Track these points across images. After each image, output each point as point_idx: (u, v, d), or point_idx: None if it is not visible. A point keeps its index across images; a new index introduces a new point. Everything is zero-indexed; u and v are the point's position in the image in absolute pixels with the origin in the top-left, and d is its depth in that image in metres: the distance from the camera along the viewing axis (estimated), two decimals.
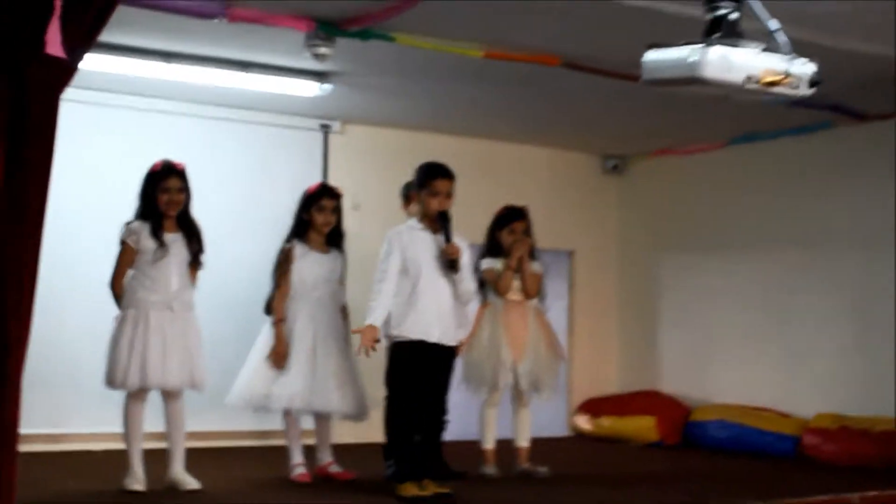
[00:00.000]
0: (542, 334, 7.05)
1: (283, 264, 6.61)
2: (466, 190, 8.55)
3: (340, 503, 5.78)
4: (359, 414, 6.65)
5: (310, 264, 6.60)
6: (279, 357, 6.46)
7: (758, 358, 9.15)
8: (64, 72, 4.08)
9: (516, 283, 6.99)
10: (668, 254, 10.08)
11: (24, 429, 7.57)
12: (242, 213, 8.44)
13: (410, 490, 5.78)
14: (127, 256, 6.08)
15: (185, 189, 6.19)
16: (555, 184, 10.15)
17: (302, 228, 6.66)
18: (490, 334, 6.95)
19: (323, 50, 6.46)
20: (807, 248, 8.83)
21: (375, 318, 5.96)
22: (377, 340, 5.95)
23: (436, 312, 6.03)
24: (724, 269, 9.53)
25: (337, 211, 6.70)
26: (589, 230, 10.40)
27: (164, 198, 6.11)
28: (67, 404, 7.82)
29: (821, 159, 8.79)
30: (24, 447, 7.46)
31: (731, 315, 9.42)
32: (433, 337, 6.03)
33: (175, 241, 6.10)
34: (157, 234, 6.03)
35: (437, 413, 6.36)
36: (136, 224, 6.07)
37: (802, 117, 8.26)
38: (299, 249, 6.61)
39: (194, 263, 6.21)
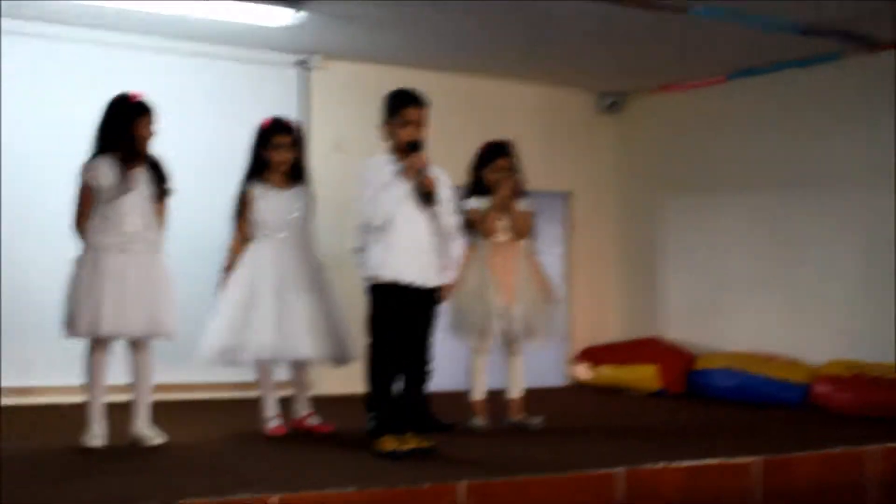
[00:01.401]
0: (533, 277, 6.67)
1: (239, 209, 6.28)
2: (455, 129, 8.26)
3: (314, 457, 5.39)
4: (337, 358, 6.30)
5: (270, 204, 6.24)
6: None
7: (765, 303, 8.78)
8: None
9: (503, 224, 6.59)
10: (670, 195, 9.69)
11: None
12: (214, 155, 8.04)
13: (389, 444, 5.39)
14: (86, 194, 5.69)
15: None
16: (549, 123, 9.79)
17: (259, 168, 6.30)
18: (477, 278, 6.56)
19: None
20: (814, 187, 8.43)
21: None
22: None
23: (413, 251, 5.59)
24: (730, 209, 9.14)
25: (295, 146, 6.34)
26: (586, 171, 10.05)
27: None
28: (37, 356, 7.51)
29: (828, 92, 8.36)
30: None
31: (737, 258, 9.05)
32: (410, 277, 5.59)
33: (138, 176, 5.70)
34: (123, 167, 5.64)
35: (419, 360, 5.92)
36: (97, 160, 5.67)
37: (808, 48, 7.85)
38: (258, 190, 6.26)
39: (161, 198, 5.81)
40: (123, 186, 5.63)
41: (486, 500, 4.65)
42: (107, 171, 5.65)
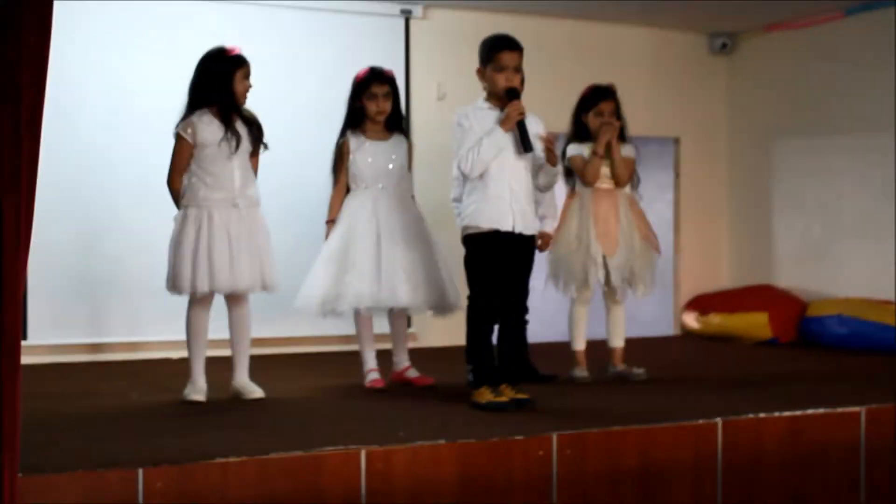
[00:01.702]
0: (636, 225, 6.55)
1: (337, 160, 6.27)
2: (561, 75, 8.17)
3: (409, 410, 5.40)
4: (438, 308, 6.26)
5: (367, 155, 6.20)
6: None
7: (880, 248, 8.51)
8: None
9: (605, 171, 6.48)
10: (782, 139, 9.45)
11: (102, 338, 7.69)
12: (321, 107, 8.04)
13: (485, 396, 5.36)
14: (183, 151, 5.69)
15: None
16: (658, 66, 9.63)
17: (355, 119, 6.27)
18: (578, 226, 6.47)
19: None
20: None
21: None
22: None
23: (509, 199, 5.51)
24: (843, 153, 8.87)
25: (391, 95, 6.27)
26: (695, 115, 9.85)
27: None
28: (144, 311, 7.66)
29: None
30: (102, 356, 7.59)
31: (852, 202, 8.80)
32: (507, 226, 5.51)
33: (238, 131, 5.71)
34: (227, 122, 5.64)
35: (515, 310, 5.87)
36: (194, 116, 5.69)
37: None
38: (353, 142, 6.22)
39: (255, 153, 5.83)
40: (228, 142, 5.65)
41: (579, 452, 4.62)
42: (205, 127, 5.64)
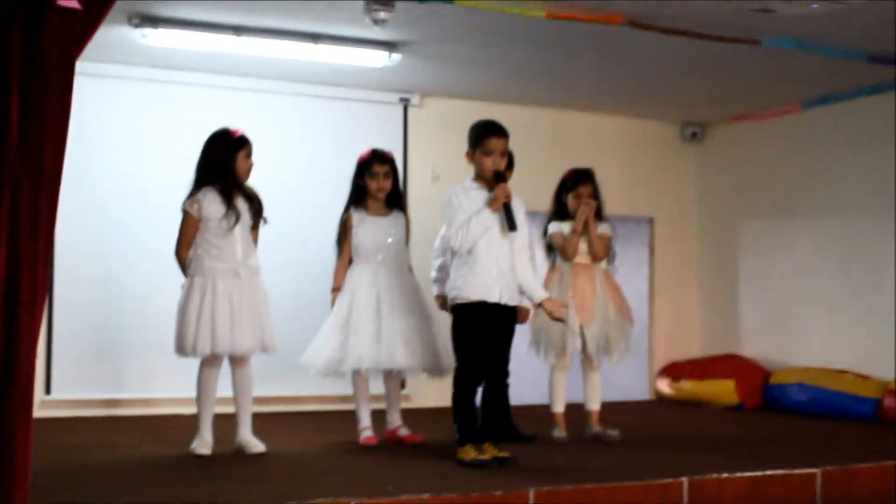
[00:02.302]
0: (611, 297, 6.55)
1: (341, 233, 6.29)
2: (543, 160, 8.18)
3: (399, 466, 5.35)
4: (432, 370, 6.23)
5: (368, 229, 6.22)
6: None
7: (837, 321, 8.51)
8: (81, 26, 3.72)
9: (583, 247, 6.50)
10: (748, 219, 9.46)
11: (119, 394, 7.64)
12: (328, 186, 8.09)
13: (469, 453, 5.31)
14: (190, 225, 5.71)
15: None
16: (634, 152, 9.66)
17: (358, 196, 6.30)
18: (557, 298, 6.46)
19: (382, 15, 6.14)
20: (886, 211, 8.10)
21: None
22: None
23: (496, 274, 5.51)
24: (804, 233, 8.89)
25: (390, 175, 6.30)
26: (668, 197, 9.87)
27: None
28: (159, 370, 7.62)
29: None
30: (119, 411, 7.53)
31: (811, 279, 8.79)
32: (494, 297, 5.50)
33: (240, 206, 5.73)
34: (229, 199, 5.65)
35: (499, 374, 5.85)
36: (199, 193, 5.71)
37: (880, 75, 7.60)
38: (356, 217, 6.25)
39: (255, 227, 5.84)
40: (231, 217, 5.66)
41: None
42: (209, 204, 5.66)
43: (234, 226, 5.65)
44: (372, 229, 6.23)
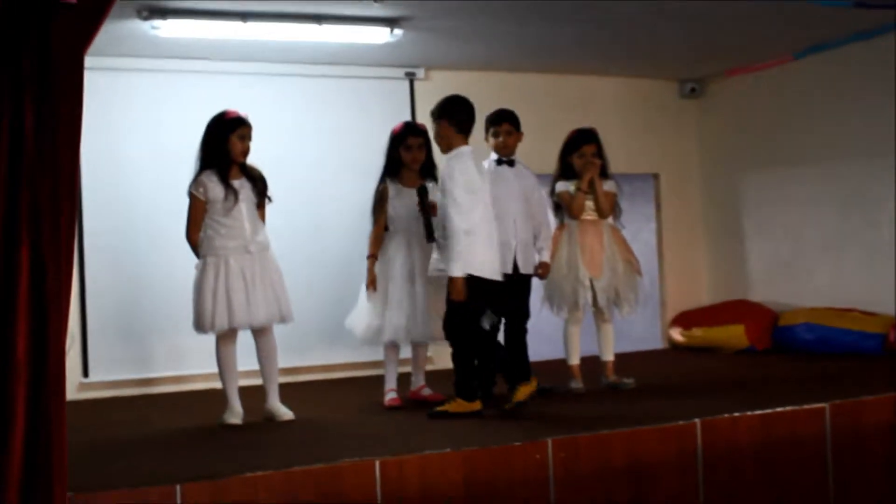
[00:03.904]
0: (619, 251, 6.53)
1: (377, 204, 6.25)
2: (546, 124, 8.11)
3: (422, 424, 5.35)
4: None
5: (404, 200, 6.19)
6: (370, 285, 6.14)
7: (841, 262, 8.44)
8: (86, 22, 3.70)
9: (589, 204, 6.48)
10: (750, 170, 9.37)
11: (149, 373, 7.67)
12: (342, 161, 8.12)
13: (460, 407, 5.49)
14: (197, 207, 5.69)
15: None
16: (636, 111, 9.56)
17: (393, 167, 6.26)
18: (567, 254, 6.47)
19: None
20: (884, 153, 8.00)
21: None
22: None
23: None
24: (804, 179, 8.78)
25: (423, 147, 6.26)
26: (672, 153, 9.78)
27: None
28: (188, 348, 7.56)
29: (890, 63, 7.93)
30: (151, 390, 7.55)
31: (813, 223, 8.71)
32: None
33: (241, 186, 5.71)
34: (224, 181, 5.64)
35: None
36: (203, 176, 5.69)
37: (868, 21, 7.49)
38: (392, 188, 6.22)
39: (261, 205, 5.82)
40: (230, 197, 5.63)
41: (572, 454, 4.57)
42: (214, 185, 5.63)
43: (233, 206, 5.63)
44: (406, 200, 6.18)
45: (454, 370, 5.63)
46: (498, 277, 5.67)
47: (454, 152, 5.62)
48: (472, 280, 5.49)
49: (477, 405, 5.48)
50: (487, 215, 5.67)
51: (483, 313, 5.57)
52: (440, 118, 5.70)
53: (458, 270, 5.42)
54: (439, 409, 5.52)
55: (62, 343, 3.52)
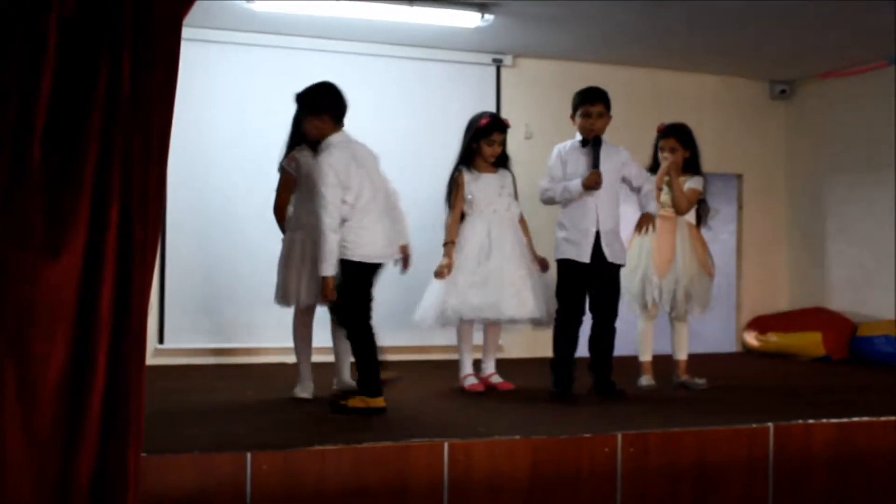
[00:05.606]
0: (692, 249, 6.41)
1: (453, 190, 6.23)
2: (637, 118, 8.04)
3: (492, 410, 5.35)
4: (537, 321, 6.16)
5: (480, 186, 6.21)
6: (445, 270, 6.09)
7: None
8: None
9: (666, 199, 6.40)
10: (835, 175, 9.21)
11: (225, 343, 7.77)
12: (426, 144, 8.14)
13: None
14: (288, 182, 5.75)
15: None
16: (724, 110, 9.45)
17: (469, 156, 6.26)
18: (637, 251, 6.40)
19: None
20: None
21: None
22: None
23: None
24: (889, 187, 8.60)
25: (504, 142, 6.29)
26: (757, 154, 9.65)
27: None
28: (263, 321, 7.68)
29: None
30: (224, 360, 7.65)
31: None
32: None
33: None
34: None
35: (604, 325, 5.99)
36: (295, 151, 5.73)
37: None
38: (468, 175, 6.22)
39: None
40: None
41: (641, 450, 4.54)
42: (306, 161, 5.65)
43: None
44: (484, 185, 6.21)
45: (356, 365, 5.36)
46: (390, 258, 5.47)
47: (325, 143, 5.35)
48: (359, 267, 5.27)
49: (380, 402, 5.18)
50: (377, 192, 5.41)
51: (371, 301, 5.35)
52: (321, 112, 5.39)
53: (327, 270, 5.19)
54: (342, 402, 5.23)
55: (145, 304, 3.57)
